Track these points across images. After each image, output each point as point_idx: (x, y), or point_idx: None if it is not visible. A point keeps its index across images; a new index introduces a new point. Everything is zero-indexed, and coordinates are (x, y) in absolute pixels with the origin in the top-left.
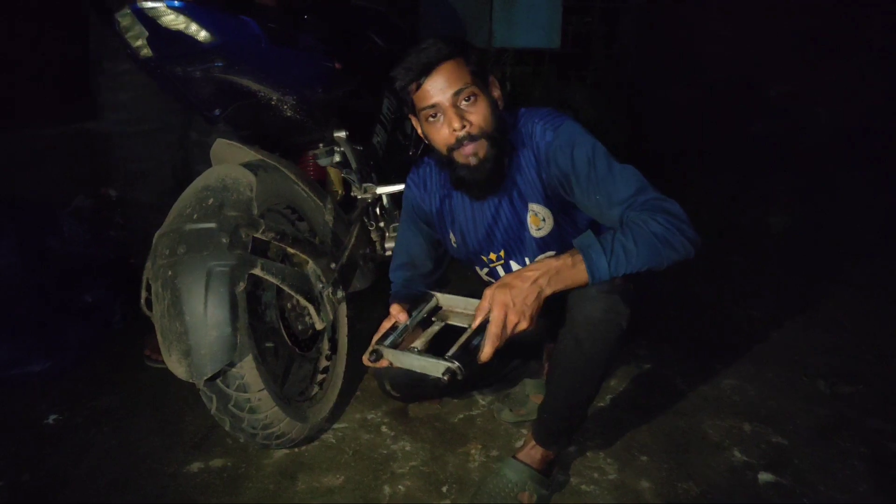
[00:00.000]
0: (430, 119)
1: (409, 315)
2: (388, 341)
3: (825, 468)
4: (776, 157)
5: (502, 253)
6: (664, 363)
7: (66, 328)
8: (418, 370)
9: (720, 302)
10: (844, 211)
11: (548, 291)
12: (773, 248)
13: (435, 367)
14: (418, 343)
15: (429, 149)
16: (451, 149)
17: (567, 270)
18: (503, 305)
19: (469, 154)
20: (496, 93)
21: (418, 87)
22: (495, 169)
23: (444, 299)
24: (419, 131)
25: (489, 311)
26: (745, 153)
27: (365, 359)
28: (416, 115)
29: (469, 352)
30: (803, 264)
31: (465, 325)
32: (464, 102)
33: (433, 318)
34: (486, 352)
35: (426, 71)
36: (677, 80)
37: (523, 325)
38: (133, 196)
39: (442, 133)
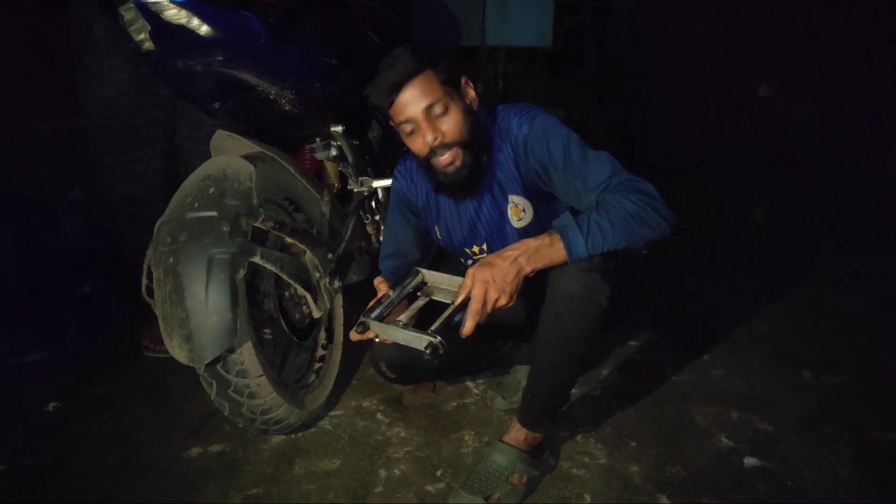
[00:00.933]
0: (407, 131)
1: (394, 289)
2: (374, 314)
3: (809, 454)
4: (762, 155)
5: (485, 246)
6: (653, 353)
7: (65, 319)
8: (402, 342)
9: (708, 294)
10: (828, 206)
11: (527, 269)
12: (759, 242)
13: (418, 341)
14: (403, 317)
15: None
16: (427, 158)
17: (545, 249)
18: (484, 283)
19: (446, 163)
20: (470, 94)
21: (391, 103)
22: (472, 174)
23: (429, 275)
24: (400, 138)
25: (471, 289)
26: (732, 150)
27: (352, 333)
28: (395, 125)
29: (451, 327)
30: (789, 258)
31: (449, 301)
32: (436, 115)
33: (418, 294)
34: (468, 326)
35: (396, 89)
36: (667, 78)
37: (503, 301)
38: (116, 190)
39: (417, 143)
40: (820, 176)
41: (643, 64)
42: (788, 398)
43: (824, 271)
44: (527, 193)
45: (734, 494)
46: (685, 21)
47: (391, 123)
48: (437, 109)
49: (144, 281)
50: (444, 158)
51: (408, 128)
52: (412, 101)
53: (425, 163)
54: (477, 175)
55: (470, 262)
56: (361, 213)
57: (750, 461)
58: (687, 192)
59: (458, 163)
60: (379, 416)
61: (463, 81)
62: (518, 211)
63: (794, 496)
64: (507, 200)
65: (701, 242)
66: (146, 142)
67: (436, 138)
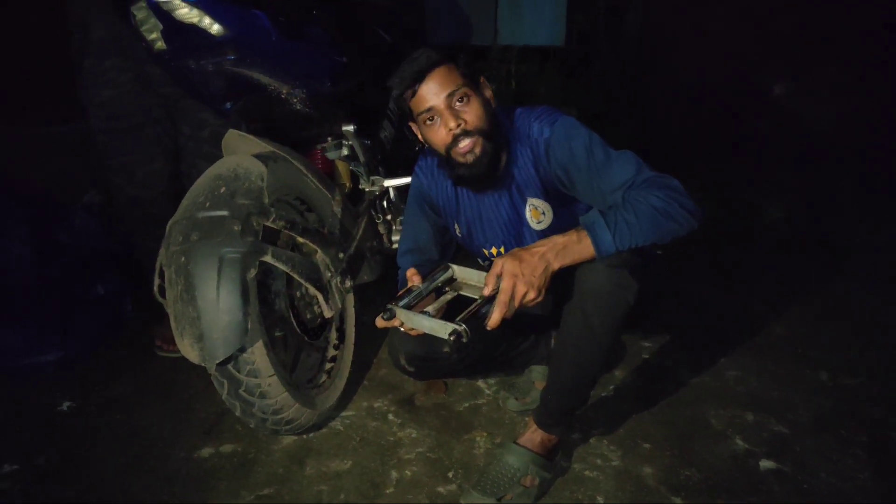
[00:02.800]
0: (428, 122)
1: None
2: (402, 302)
3: (826, 456)
4: (778, 153)
5: (502, 249)
6: (668, 355)
7: (79, 319)
8: (427, 331)
9: (723, 295)
10: (844, 205)
11: (555, 265)
12: (775, 242)
13: (443, 329)
14: (431, 308)
15: None
16: (448, 148)
17: (573, 245)
18: (512, 276)
19: (466, 151)
20: (488, 92)
21: (414, 93)
22: (492, 163)
23: (459, 271)
24: (419, 136)
25: (499, 281)
26: (747, 148)
27: (378, 319)
28: (415, 121)
29: (478, 318)
30: (805, 257)
31: (477, 297)
32: (457, 103)
33: (447, 289)
34: (495, 318)
35: (419, 78)
36: (681, 76)
37: (531, 296)
38: (123, 192)
39: (440, 133)
40: (837, 174)
41: (657, 62)
42: (805, 400)
43: (841, 271)
44: (546, 196)
45: (749, 497)
46: (699, 18)
47: (410, 123)
48: (459, 98)
49: (157, 280)
50: (465, 145)
51: (429, 117)
52: (434, 90)
53: (446, 154)
54: (495, 167)
55: (487, 262)
56: (373, 213)
57: (766, 464)
58: (702, 190)
59: (477, 150)
60: (391, 416)
61: (481, 80)
62: (538, 214)
63: (810, 499)
64: (525, 203)
65: (716, 242)
66: (151, 142)
67: (459, 125)
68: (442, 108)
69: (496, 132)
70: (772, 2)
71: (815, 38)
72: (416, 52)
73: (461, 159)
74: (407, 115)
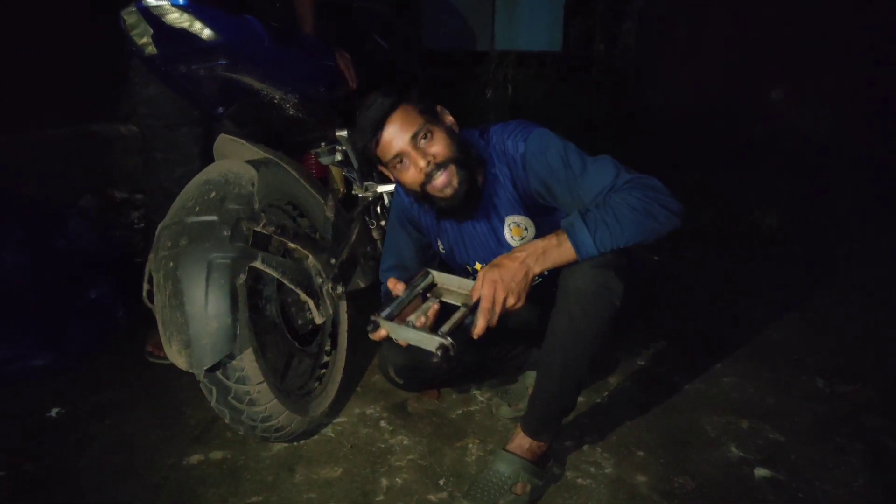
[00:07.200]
0: (399, 166)
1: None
2: (384, 313)
3: (821, 464)
4: (776, 160)
5: (480, 266)
6: (663, 362)
7: (71, 324)
8: (413, 343)
9: (719, 302)
10: (842, 213)
11: (536, 270)
12: (772, 249)
13: (430, 342)
14: (413, 317)
15: None
16: (423, 185)
17: (553, 249)
18: (493, 283)
19: (443, 185)
20: (448, 119)
21: (377, 143)
22: (471, 191)
23: (438, 277)
24: (392, 178)
25: (481, 290)
26: (744, 155)
27: (368, 331)
28: (385, 167)
29: (463, 329)
30: (801, 265)
31: (458, 303)
32: (422, 141)
33: (428, 295)
34: (479, 326)
35: (379, 126)
36: (679, 82)
37: (511, 301)
38: (163, 187)
39: (411, 174)
40: (834, 182)
41: (655, 67)
42: (801, 407)
43: (839, 278)
44: (527, 211)
45: None
46: (697, 24)
47: (380, 168)
48: (423, 136)
49: (146, 286)
50: (440, 181)
51: (397, 162)
52: (397, 135)
53: (422, 193)
54: (475, 192)
55: (471, 278)
56: (366, 219)
57: (760, 472)
58: (699, 196)
59: (454, 182)
60: (382, 423)
61: (438, 109)
62: (520, 230)
63: None
64: (503, 224)
65: (713, 248)
66: (191, 141)
67: (428, 162)
68: (408, 150)
69: (467, 155)
70: (769, 10)
71: (813, 46)
72: (369, 98)
73: (440, 194)
74: (376, 162)
